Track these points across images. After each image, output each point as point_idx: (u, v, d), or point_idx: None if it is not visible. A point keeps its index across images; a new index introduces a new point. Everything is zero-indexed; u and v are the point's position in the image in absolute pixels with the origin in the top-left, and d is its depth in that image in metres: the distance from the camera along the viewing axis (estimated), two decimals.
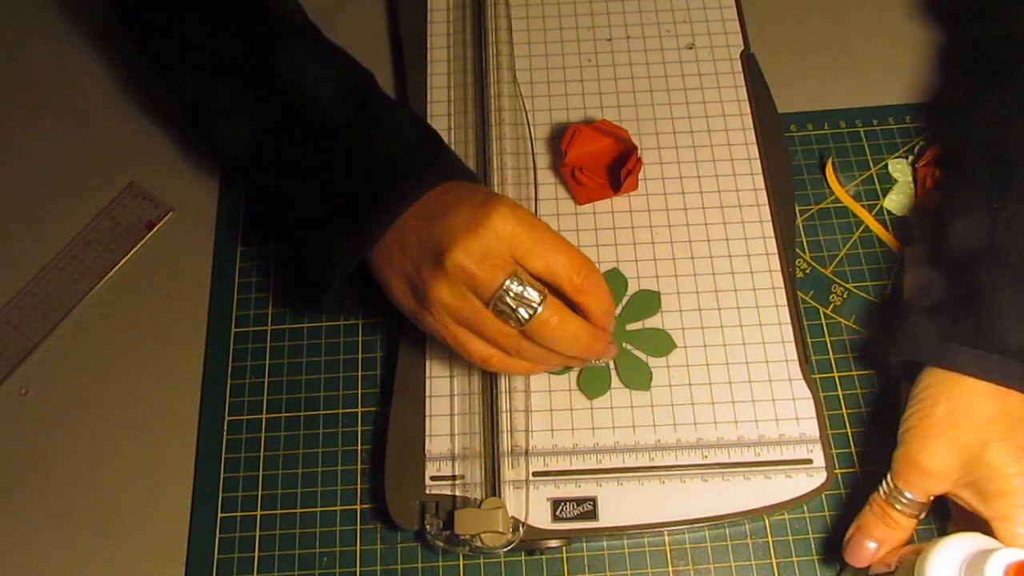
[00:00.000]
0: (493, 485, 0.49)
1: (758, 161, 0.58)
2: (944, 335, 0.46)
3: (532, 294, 0.44)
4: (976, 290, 0.47)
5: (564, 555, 0.50)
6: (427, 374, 0.52)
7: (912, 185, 0.58)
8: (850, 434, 0.52)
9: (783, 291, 0.54)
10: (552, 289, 0.45)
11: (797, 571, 0.49)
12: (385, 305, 0.49)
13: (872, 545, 0.45)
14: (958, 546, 0.39)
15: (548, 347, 0.45)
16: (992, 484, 0.44)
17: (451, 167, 0.49)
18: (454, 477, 0.50)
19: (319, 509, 0.51)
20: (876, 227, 0.58)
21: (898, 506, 0.45)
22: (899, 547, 0.45)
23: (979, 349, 0.44)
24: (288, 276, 0.57)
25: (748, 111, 0.60)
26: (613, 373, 0.52)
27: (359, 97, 0.53)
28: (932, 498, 0.45)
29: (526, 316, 0.44)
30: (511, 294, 0.43)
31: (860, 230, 0.58)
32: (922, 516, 0.45)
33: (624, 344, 0.53)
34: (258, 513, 0.51)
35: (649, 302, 0.54)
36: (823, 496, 0.50)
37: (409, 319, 0.48)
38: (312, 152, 0.50)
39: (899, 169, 0.59)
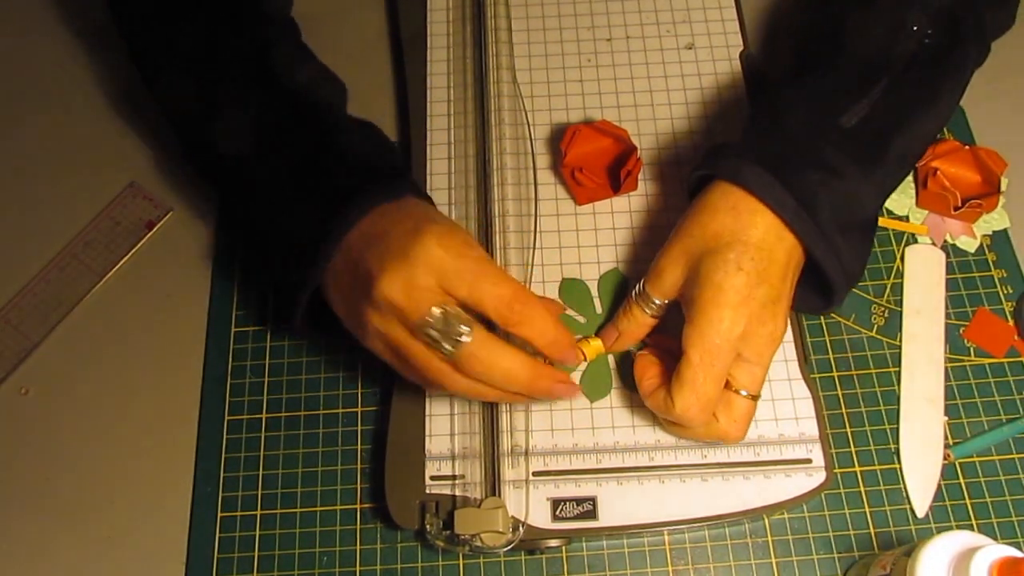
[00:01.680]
0: (493, 485, 0.49)
1: None
2: (741, 155, 0.47)
3: (458, 326, 0.42)
4: (778, 122, 0.49)
5: (564, 555, 0.50)
6: None
7: (912, 185, 0.58)
8: (850, 434, 0.52)
9: None
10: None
11: (796, 571, 0.49)
12: None
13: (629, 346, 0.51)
14: (946, 544, 0.39)
15: (480, 381, 0.44)
16: (693, 290, 0.45)
17: (392, 185, 0.47)
18: (454, 477, 0.50)
19: (319, 509, 0.51)
20: None
21: (643, 307, 0.49)
22: (635, 341, 0.51)
23: (769, 173, 0.45)
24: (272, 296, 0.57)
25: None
26: (614, 374, 0.52)
27: (323, 119, 0.51)
28: (668, 301, 0.49)
29: (449, 348, 0.42)
30: (436, 325, 0.42)
31: None
32: (660, 317, 0.50)
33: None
34: (258, 513, 0.51)
35: None
36: (822, 496, 0.50)
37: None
38: (287, 165, 0.49)
39: None
